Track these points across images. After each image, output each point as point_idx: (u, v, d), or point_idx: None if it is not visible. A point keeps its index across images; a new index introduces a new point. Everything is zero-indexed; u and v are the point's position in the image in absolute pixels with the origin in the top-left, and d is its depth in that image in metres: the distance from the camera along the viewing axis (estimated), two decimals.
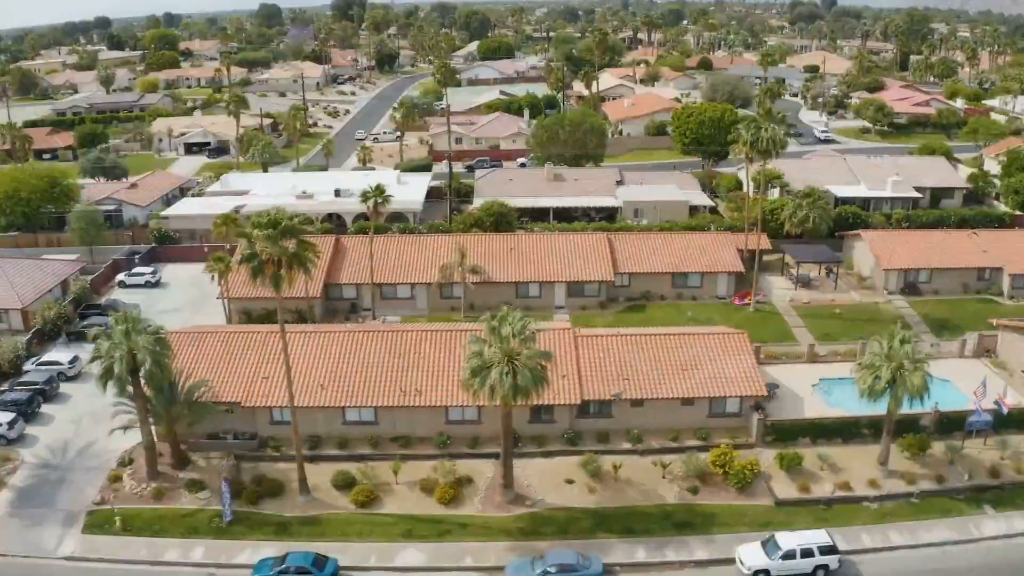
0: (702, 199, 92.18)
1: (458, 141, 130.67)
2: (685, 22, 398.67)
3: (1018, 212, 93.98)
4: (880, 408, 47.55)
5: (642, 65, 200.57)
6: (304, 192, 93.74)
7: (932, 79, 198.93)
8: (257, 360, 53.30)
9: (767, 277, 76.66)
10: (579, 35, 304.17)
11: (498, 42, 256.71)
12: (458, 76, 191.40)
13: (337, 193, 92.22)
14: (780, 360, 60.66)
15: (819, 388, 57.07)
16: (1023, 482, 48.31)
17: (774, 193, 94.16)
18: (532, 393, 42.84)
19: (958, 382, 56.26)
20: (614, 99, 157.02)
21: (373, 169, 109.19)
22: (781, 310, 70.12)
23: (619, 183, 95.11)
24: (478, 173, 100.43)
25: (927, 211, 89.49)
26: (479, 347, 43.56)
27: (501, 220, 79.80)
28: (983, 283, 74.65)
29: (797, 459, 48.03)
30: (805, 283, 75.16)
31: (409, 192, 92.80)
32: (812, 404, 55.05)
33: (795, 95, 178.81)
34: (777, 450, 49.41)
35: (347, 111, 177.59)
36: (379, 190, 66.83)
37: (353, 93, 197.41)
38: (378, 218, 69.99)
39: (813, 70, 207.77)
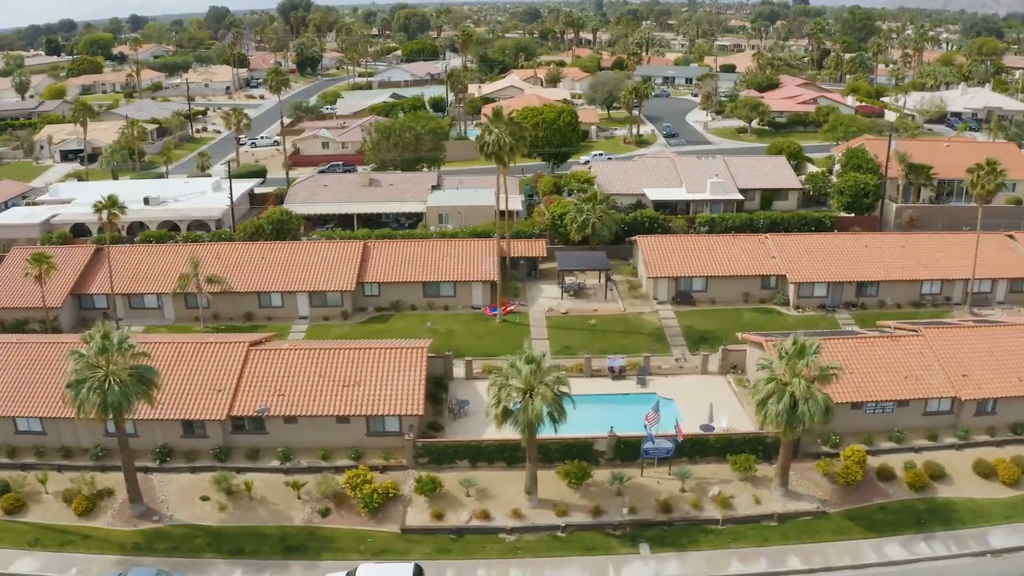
0: (514, 203, 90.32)
1: (325, 146, 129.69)
2: (645, 22, 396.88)
3: (843, 214, 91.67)
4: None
5: (552, 66, 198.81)
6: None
7: (848, 76, 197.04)
8: None
9: (540, 285, 74.96)
10: (532, 35, 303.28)
11: (422, 44, 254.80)
12: (369, 80, 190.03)
13: (146, 201, 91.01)
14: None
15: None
16: (698, 519, 44.43)
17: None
18: (125, 410, 42.08)
19: (685, 401, 54.04)
20: (502, 100, 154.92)
21: (209, 176, 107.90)
22: (534, 321, 68.22)
23: (435, 188, 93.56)
24: (297, 180, 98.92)
25: (735, 215, 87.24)
26: (77, 361, 42.49)
27: (282, 228, 78.37)
28: (768, 292, 71.92)
29: (433, 483, 46.01)
30: (575, 292, 73.35)
31: (215, 199, 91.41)
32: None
33: (695, 94, 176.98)
34: (429, 472, 47.71)
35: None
36: (111, 200, 65.57)
37: (262, 97, 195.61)
38: (113, 229, 68.65)
39: (731, 69, 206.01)
